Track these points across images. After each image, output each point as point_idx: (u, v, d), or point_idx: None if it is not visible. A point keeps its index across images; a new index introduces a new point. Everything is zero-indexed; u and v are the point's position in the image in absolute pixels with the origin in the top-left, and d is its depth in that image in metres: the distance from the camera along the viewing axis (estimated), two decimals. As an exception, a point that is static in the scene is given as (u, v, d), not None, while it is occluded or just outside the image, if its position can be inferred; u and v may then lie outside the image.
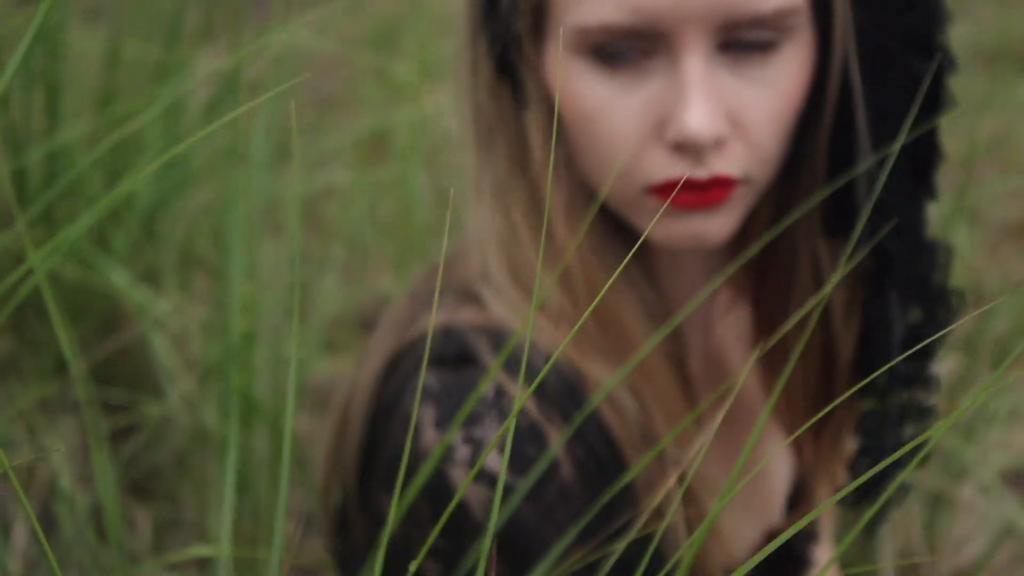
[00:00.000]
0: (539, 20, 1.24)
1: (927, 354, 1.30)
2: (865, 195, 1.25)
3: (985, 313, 2.14)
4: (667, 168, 1.21)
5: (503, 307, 1.26)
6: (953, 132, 3.51)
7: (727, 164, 1.21)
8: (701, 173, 1.20)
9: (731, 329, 1.41)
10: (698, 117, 1.17)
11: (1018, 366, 2.14)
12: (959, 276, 2.68)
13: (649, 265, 1.31)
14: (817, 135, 1.26)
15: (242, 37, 2.17)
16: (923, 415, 1.31)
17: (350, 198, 2.31)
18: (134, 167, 2.07)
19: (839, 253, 1.30)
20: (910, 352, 1.28)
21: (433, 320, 1.13)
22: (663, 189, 1.22)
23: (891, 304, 1.28)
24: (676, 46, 1.19)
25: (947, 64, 1.25)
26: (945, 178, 3.22)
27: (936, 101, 1.26)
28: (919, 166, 1.27)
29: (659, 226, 1.23)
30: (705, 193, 1.21)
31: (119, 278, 1.89)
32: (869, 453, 1.31)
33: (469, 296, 1.28)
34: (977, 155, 3.24)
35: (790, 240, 1.30)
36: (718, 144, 1.20)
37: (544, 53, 1.25)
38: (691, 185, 1.21)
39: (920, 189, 1.28)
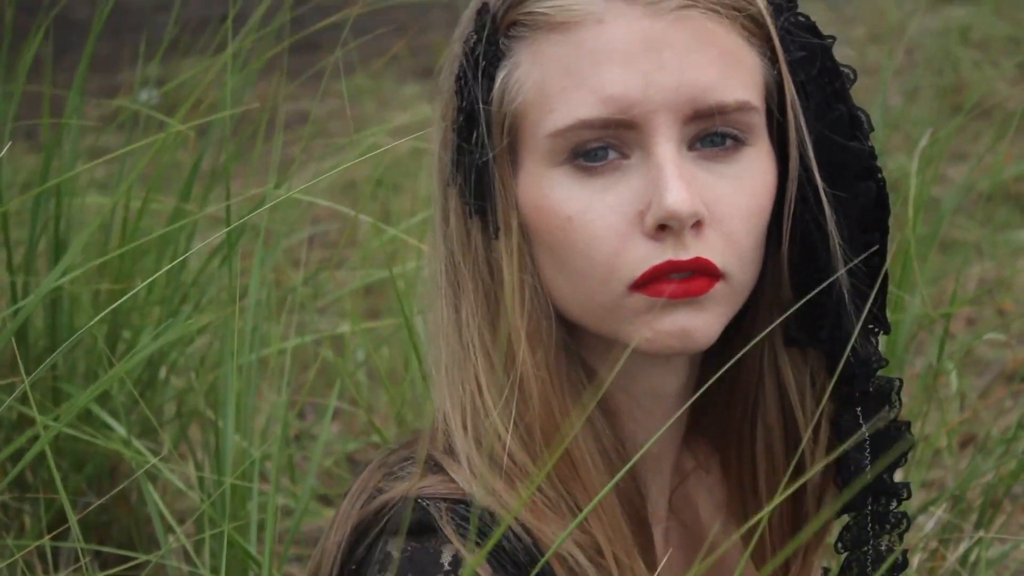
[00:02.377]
0: (513, 140, 1.26)
1: (894, 465, 1.32)
2: (836, 307, 1.28)
3: (975, 459, 2.16)
4: (649, 257, 1.23)
5: (465, 475, 1.27)
6: (949, 275, 3.56)
7: (706, 249, 1.23)
8: (683, 255, 1.23)
9: (695, 455, 1.42)
10: (678, 193, 1.20)
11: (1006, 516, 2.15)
12: (954, 418, 2.70)
13: (611, 411, 1.32)
14: (781, 246, 1.29)
15: (249, 182, 2.21)
16: (897, 523, 1.33)
17: (349, 347, 2.33)
18: (136, 319, 2.10)
19: (799, 365, 1.32)
20: (884, 465, 1.30)
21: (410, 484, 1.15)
22: (648, 282, 1.23)
23: (859, 419, 1.31)
24: (648, 137, 1.22)
25: (885, 193, 1.29)
26: (939, 323, 3.23)
27: (883, 223, 1.30)
28: (871, 283, 1.30)
29: (646, 325, 1.24)
30: (689, 282, 1.23)
31: (118, 433, 1.91)
32: (854, 567, 1.33)
33: (433, 465, 1.29)
34: (971, 298, 3.27)
35: (756, 353, 1.32)
36: (697, 224, 1.22)
37: (519, 176, 1.26)
38: (674, 269, 1.23)
39: (872, 306, 1.30)
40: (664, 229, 1.22)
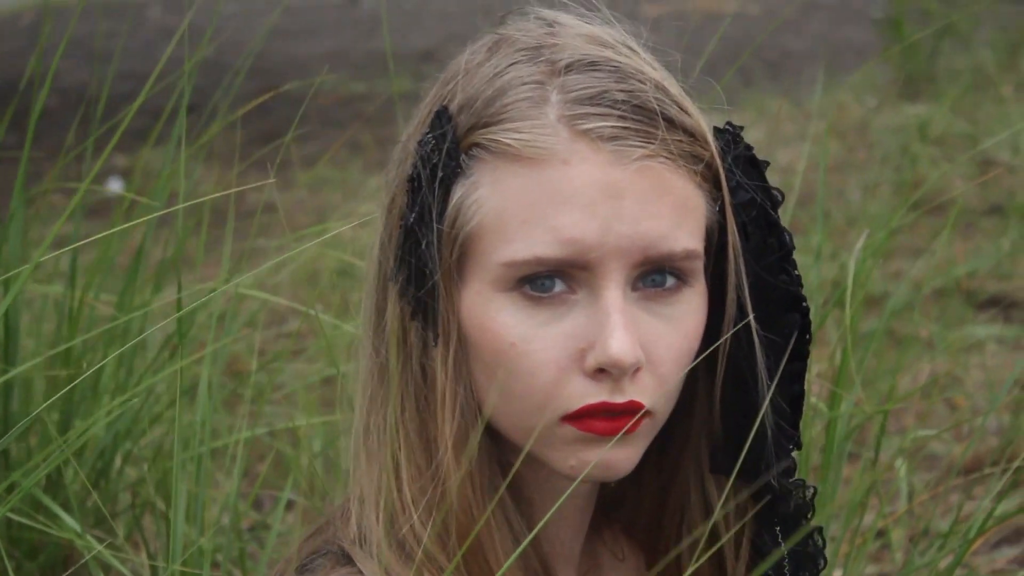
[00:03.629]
0: (462, 258, 1.28)
1: None
2: (760, 441, 1.31)
3: (926, 550, 2.18)
4: (586, 395, 1.26)
5: (372, 567, 1.28)
6: (905, 370, 3.59)
7: (639, 392, 1.26)
8: (618, 399, 1.26)
9: (613, 547, 1.44)
10: (621, 343, 1.23)
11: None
12: (903, 517, 2.73)
13: (527, 509, 1.34)
14: (714, 378, 1.32)
15: (203, 273, 2.23)
16: None
17: (304, 439, 2.35)
18: (88, 407, 2.12)
19: (723, 490, 1.35)
20: None
21: None
22: (579, 416, 1.26)
23: (778, 538, 1.35)
24: (599, 279, 1.25)
25: (809, 321, 1.33)
26: (893, 418, 3.26)
27: (805, 351, 1.34)
28: (792, 409, 1.34)
29: (572, 455, 1.27)
30: (618, 420, 1.26)
31: (70, 523, 1.93)
32: None
33: (343, 557, 1.31)
34: (915, 393, 3.31)
35: (683, 478, 1.35)
36: (635, 371, 1.25)
37: (464, 291, 1.28)
38: (607, 410, 1.26)
39: (792, 432, 1.35)
40: (603, 372, 1.25)
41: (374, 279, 1.33)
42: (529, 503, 1.33)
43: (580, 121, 1.25)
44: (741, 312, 1.31)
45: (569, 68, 1.27)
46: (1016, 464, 1.80)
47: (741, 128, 1.33)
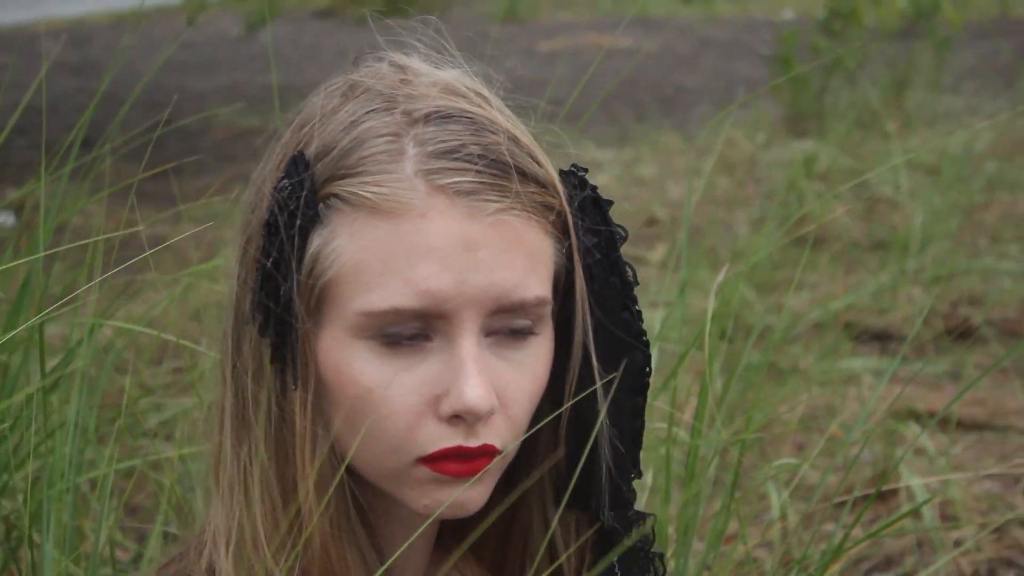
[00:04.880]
0: (320, 305, 1.29)
1: None
2: (605, 473, 1.36)
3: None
4: (440, 439, 1.29)
5: None
6: (786, 401, 3.65)
7: (492, 435, 1.30)
8: (472, 443, 1.29)
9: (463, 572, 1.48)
10: (477, 391, 1.26)
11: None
12: (777, 544, 2.79)
13: (379, 542, 1.37)
14: (560, 415, 1.36)
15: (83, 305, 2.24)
16: None
17: (173, 471, 2.36)
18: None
19: (568, 524, 1.40)
20: None
21: None
22: (434, 459, 1.29)
23: (614, 568, 1.40)
24: (454, 328, 1.28)
25: (649, 355, 1.38)
26: (771, 446, 3.32)
27: (645, 387, 1.38)
28: (634, 443, 1.39)
29: (426, 495, 1.31)
30: (472, 463, 1.29)
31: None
32: None
33: None
34: (802, 425, 3.37)
35: (527, 508, 1.39)
36: (489, 416, 1.29)
37: (322, 337, 1.29)
38: (461, 454, 1.29)
39: (633, 466, 1.40)
40: (458, 417, 1.28)
41: (231, 319, 1.34)
42: (379, 533, 1.36)
43: (437, 176, 1.27)
44: (585, 352, 1.36)
45: (425, 120, 1.29)
46: (875, 491, 1.85)
47: (586, 171, 1.37)
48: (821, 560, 1.83)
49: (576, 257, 1.33)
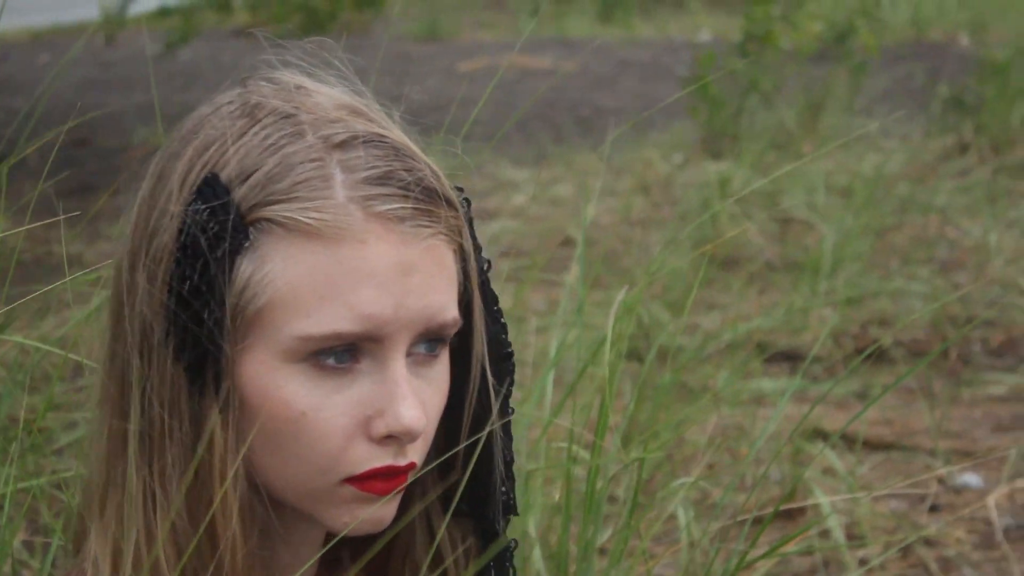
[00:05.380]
0: (248, 329, 1.28)
1: None
2: (496, 482, 1.41)
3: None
4: (371, 459, 1.30)
5: None
6: (696, 421, 3.67)
7: (415, 452, 1.33)
8: (402, 461, 1.31)
9: None
10: (413, 411, 1.29)
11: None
12: (685, 563, 2.81)
13: (273, 557, 1.38)
14: (460, 428, 1.40)
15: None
16: None
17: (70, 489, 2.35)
18: None
19: (454, 533, 1.43)
20: None
21: None
22: (362, 479, 1.31)
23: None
24: (387, 351, 1.29)
25: (513, 366, 1.43)
26: (681, 466, 3.34)
27: (510, 400, 1.44)
28: (508, 456, 1.44)
29: (348, 513, 1.32)
30: (396, 480, 1.31)
31: None
32: None
33: None
34: (711, 445, 3.39)
35: (410, 524, 1.42)
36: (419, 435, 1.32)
37: (247, 361, 1.29)
38: (394, 473, 1.31)
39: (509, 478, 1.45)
40: (391, 437, 1.30)
41: (129, 341, 1.32)
42: (273, 549, 1.37)
43: (373, 203, 1.28)
44: (481, 369, 1.39)
45: (344, 145, 1.30)
46: (776, 507, 1.88)
47: (461, 188, 1.39)
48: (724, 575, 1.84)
49: (474, 275, 1.37)
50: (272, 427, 1.30)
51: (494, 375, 1.40)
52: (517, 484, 1.73)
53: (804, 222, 5.42)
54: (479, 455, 1.39)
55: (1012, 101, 6.68)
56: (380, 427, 1.29)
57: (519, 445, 2.05)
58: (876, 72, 7.95)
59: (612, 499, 2.91)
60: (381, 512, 1.32)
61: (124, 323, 1.32)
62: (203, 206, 1.27)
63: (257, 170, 1.28)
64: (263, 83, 1.35)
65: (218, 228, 1.27)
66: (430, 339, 1.32)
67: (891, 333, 4.30)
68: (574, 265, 5.09)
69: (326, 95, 1.34)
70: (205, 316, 1.27)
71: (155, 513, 1.30)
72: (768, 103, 6.98)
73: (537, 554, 2.21)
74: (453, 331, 1.34)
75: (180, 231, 1.28)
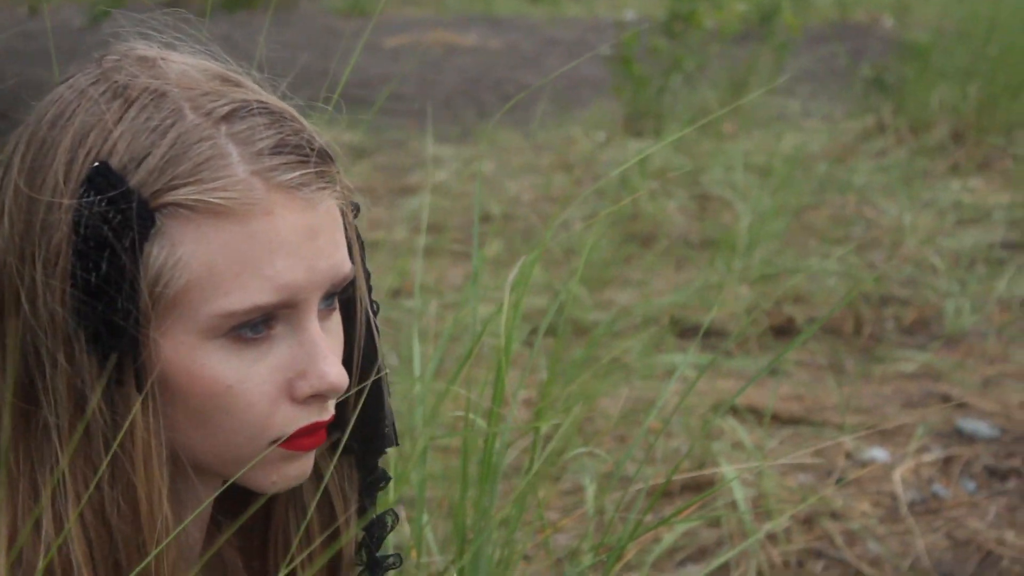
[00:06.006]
0: (164, 313, 1.29)
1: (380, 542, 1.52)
2: (384, 423, 1.46)
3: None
4: (297, 420, 1.33)
5: None
6: (611, 395, 3.68)
7: (332, 405, 1.36)
8: (325, 416, 1.35)
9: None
10: (336, 369, 1.32)
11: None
12: (591, 534, 2.83)
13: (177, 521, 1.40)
14: (352, 375, 1.43)
15: None
16: None
17: None
18: None
19: (342, 468, 1.47)
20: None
21: None
22: (289, 439, 1.33)
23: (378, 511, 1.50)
24: (301, 314, 1.32)
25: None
26: (593, 439, 3.36)
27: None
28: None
29: (274, 472, 1.35)
30: (319, 434, 1.35)
31: None
32: None
33: None
34: (622, 419, 3.42)
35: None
36: None
37: (166, 344, 1.29)
38: (320, 429, 1.34)
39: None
40: (315, 396, 1.33)
41: (38, 337, 1.30)
42: (176, 513, 1.38)
43: (274, 174, 1.29)
44: (367, 317, 1.44)
45: (229, 118, 1.30)
46: (668, 476, 1.89)
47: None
48: (618, 543, 1.86)
49: (353, 225, 1.41)
50: (198, 404, 1.31)
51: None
52: (418, 453, 1.75)
53: (723, 200, 5.45)
54: (370, 393, 1.43)
55: (932, 83, 6.74)
56: (304, 388, 1.32)
57: (419, 418, 2.06)
58: (799, 53, 8.01)
59: (524, 472, 2.93)
60: (306, 465, 1.36)
61: (27, 319, 1.30)
62: (99, 196, 1.26)
63: (149, 154, 1.28)
64: (120, 58, 1.33)
65: (121, 217, 1.26)
66: (330, 294, 1.35)
67: (805, 310, 4.34)
68: (493, 241, 5.11)
69: (191, 65, 1.34)
70: (119, 305, 1.27)
71: (66, 501, 1.31)
72: (690, 82, 7.01)
73: (433, 529, 2.22)
74: (348, 282, 1.37)
75: (77, 223, 1.27)
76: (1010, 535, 3.19)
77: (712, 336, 4.15)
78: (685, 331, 4.08)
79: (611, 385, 3.41)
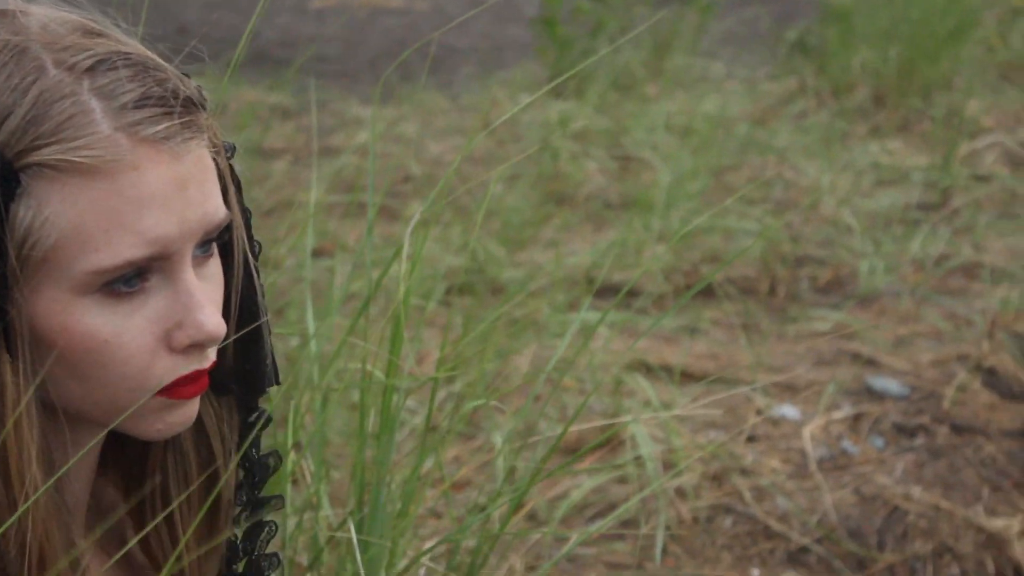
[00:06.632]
0: (34, 272, 1.29)
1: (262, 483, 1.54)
2: (263, 363, 1.47)
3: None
4: (177, 369, 1.34)
5: None
6: (523, 354, 3.69)
7: (213, 351, 1.38)
8: (205, 363, 1.36)
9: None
10: (213, 318, 1.33)
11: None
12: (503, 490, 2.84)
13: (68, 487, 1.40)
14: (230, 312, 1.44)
15: None
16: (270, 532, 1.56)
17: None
18: None
19: (219, 410, 1.48)
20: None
21: None
22: (170, 388, 1.35)
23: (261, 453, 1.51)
24: (175, 264, 1.32)
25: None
26: (507, 397, 3.36)
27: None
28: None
29: (158, 420, 1.36)
30: (201, 381, 1.37)
31: None
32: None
33: None
34: (535, 376, 3.43)
35: None
36: None
37: (38, 302, 1.29)
38: (201, 377, 1.36)
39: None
40: (194, 345, 1.34)
41: None
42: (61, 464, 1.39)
43: (138, 128, 1.29)
44: (245, 258, 1.45)
45: (92, 71, 1.29)
46: (565, 427, 1.91)
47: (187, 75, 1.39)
48: (515, 494, 1.88)
49: (228, 169, 1.41)
50: (76, 360, 1.31)
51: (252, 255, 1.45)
52: (316, 405, 1.75)
53: (643, 161, 5.47)
54: (250, 334, 1.44)
55: (854, 46, 6.78)
56: (182, 338, 1.33)
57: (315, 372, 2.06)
58: (723, 15, 8.02)
59: (434, 429, 2.94)
60: (189, 411, 1.37)
61: None
62: None
63: (11, 114, 1.27)
64: None
65: None
66: (205, 241, 1.35)
67: (722, 270, 4.37)
68: (413, 202, 5.11)
69: (51, 18, 1.33)
70: None
71: None
72: (614, 44, 7.00)
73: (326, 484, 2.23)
74: (223, 227, 1.37)
75: None
76: (917, 491, 3.23)
77: (629, 296, 4.17)
78: (602, 291, 4.10)
79: (524, 343, 3.42)
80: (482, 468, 3.15)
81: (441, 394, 3.20)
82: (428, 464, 2.70)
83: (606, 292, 4.12)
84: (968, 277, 4.58)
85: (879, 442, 3.42)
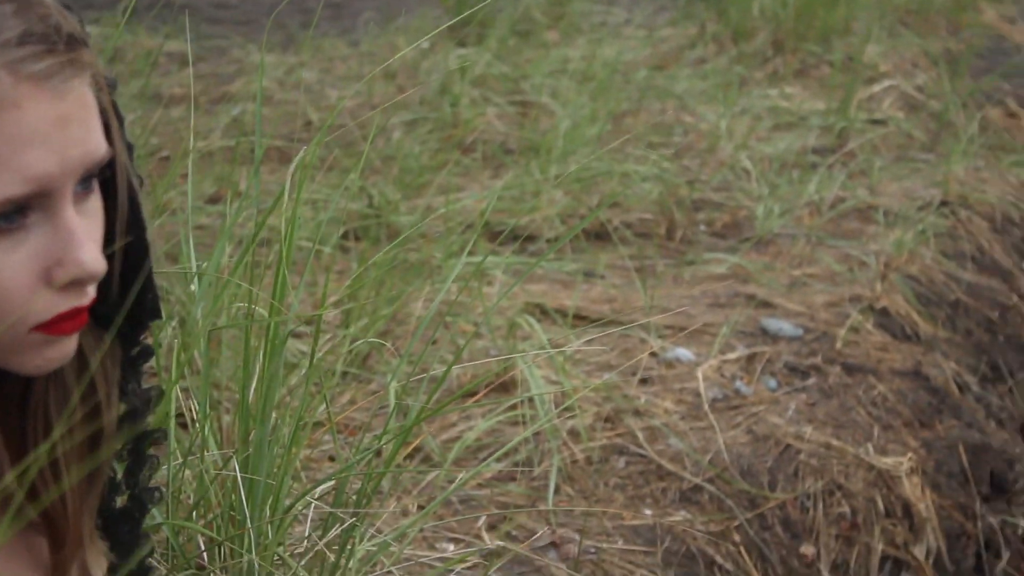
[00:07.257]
0: None
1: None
2: (147, 297, 1.48)
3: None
4: (57, 305, 1.34)
5: None
6: (418, 298, 3.67)
7: (93, 288, 1.37)
8: (85, 301, 1.36)
9: None
10: (93, 255, 1.33)
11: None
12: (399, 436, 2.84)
13: None
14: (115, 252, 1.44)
15: None
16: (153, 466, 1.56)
17: None
18: None
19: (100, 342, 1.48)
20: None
21: None
22: (49, 324, 1.34)
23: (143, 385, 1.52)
24: (56, 202, 1.32)
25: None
26: (403, 341, 3.35)
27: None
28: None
29: (38, 356, 1.36)
30: (81, 317, 1.36)
31: None
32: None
33: None
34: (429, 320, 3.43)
35: None
36: None
37: None
38: (80, 313, 1.36)
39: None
40: (73, 283, 1.34)
41: None
42: None
43: (20, 66, 1.28)
44: (130, 189, 1.44)
45: None
46: (446, 368, 1.91)
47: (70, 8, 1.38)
48: (398, 436, 1.88)
49: (111, 103, 1.40)
50: None
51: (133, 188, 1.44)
52: (202, 342, 1.74)
53: (542, 107, 5.47)
54: (132, 268, 1.45)
55: (754, -8, 6.80)
56: (62, 275, 1.32)
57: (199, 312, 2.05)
58: (625, -38, 8.02)
59: (333, 373, 2.93)
60: (68, 347, 1.37)
61: None
62: None
63: None
64: None
65: None
66: (86, 177, 1.35)
67: (619, 214, 4.39)
68: (308, 147, 5.09)
69: None
70: None
71: None
72: (516, -10, 7.00)
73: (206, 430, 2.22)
74: (105, 163, 1.37)
75: None
76: (808, 430, 3.27)
77: (528, 240, 4.18)
78: (498, 235, 4.11)
79: (419, 288, 3.42)
80: (378, 413, 3.15)
81: (336, 337, 3.19)
82: (322, 409, 2.70)
83: (503, 237, 4.13)
84: (863, 220, 4.63)
85: (772, 383, 3.45)
